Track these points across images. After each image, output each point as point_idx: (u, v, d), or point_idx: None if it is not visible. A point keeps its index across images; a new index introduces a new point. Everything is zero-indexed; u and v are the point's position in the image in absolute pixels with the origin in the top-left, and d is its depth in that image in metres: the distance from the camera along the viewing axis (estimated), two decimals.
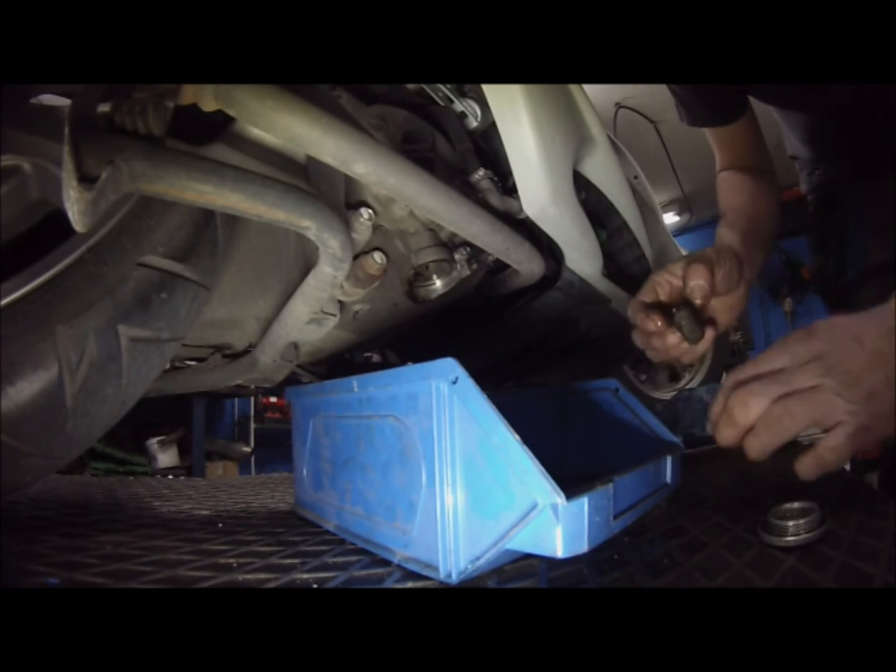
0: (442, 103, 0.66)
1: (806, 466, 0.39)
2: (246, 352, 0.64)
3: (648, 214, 1.28)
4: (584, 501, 0.32)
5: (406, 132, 0.62)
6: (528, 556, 0.41)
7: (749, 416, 0.38)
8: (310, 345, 0.66)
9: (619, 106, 2.86)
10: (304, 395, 0.61)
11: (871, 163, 0.76)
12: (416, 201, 0.48)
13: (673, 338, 0.49)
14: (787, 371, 0.39)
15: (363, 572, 0.41)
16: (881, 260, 0.78)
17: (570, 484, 0.32)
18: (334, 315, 0.58)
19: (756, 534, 0.43)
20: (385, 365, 0.94)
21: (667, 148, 3.02)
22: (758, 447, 0.39)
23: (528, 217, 0.62)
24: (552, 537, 0.32)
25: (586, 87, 0.74)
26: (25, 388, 0.37)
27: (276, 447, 3.10)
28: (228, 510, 0.72)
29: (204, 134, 0.40)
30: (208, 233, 0.47)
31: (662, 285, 0.50)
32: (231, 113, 0.36)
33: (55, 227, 0.42)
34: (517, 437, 0.33)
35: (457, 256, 0.63)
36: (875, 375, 0.37)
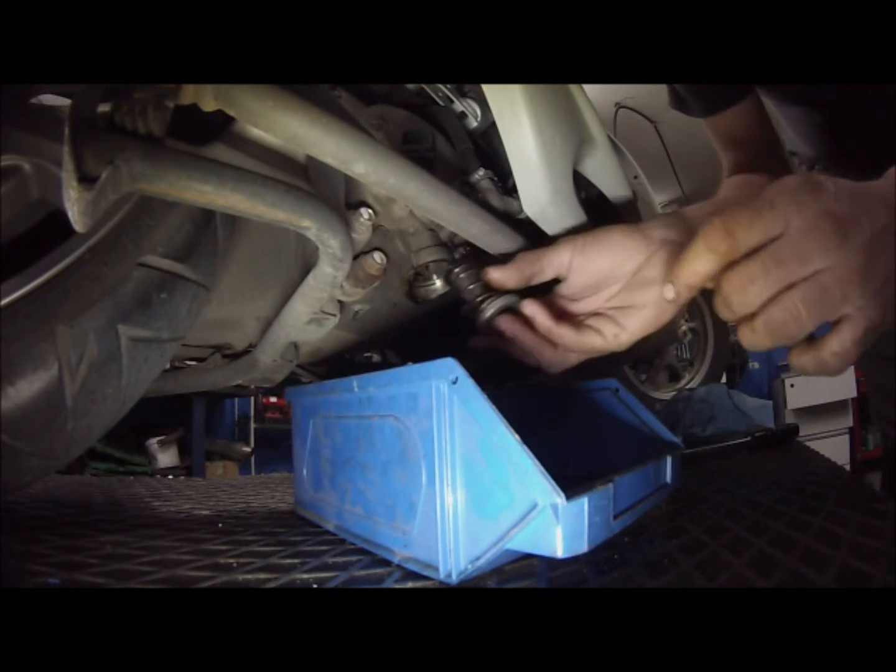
0: (442, 103, 0.66)
1: (803, 362, 0.34)
2: (246, 352, 0.64)
3: (648, 214, 1.28)
4: (584, 501, 0.32)
5: (406, 132, 0.62)
6: (528, 556, 0.41)
7: (747, 307, 0.32)
8: (310, 345, 0.66)
9: (619, 106, 2.87)
10: (304, 395, 0.61)
11: (874, 158, 0.76)
12: (417, 201, 0.48)
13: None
14: (788, 244, 0.31)
15: (363, 572, 0.41)
16: None
17: (570, 484, 0.32)
18: (334, 315, 0.58)
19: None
20: (385, 365, 0.94)
21: (667, 148, 3.03)
22: (755, 343, 0.33)
23: (528, 217, 0.62)
24: (552, 537, 0.32)
25: (586, 87, 0.74)
26: (25, 388, 0.37)
27: (276, 447, 3.09)
28: (228, 510, 0.72)
29: (204, 134, 0.40)
30: (208, 233, 0.47)
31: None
32: (231, 113, 0.36)
33: (55, 227, 0.42)
34: (517, 437, 0.33)
35: (457, 256, 0.63)
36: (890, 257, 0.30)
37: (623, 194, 0.81)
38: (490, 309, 0.51)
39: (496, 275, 0.49)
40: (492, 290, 0.52)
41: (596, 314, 0.49)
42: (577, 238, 0.48)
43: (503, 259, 0.53)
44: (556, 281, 0.51)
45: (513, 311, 0.50)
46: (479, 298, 0.52)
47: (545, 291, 0.52)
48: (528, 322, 0.48)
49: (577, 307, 0.50)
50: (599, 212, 0.77)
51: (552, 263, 0.48)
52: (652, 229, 0.48)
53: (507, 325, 0.49)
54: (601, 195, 0.78)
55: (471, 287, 0.53)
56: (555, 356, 0.48)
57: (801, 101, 0.74)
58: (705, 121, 0.69)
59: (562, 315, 0.50)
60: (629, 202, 0.80)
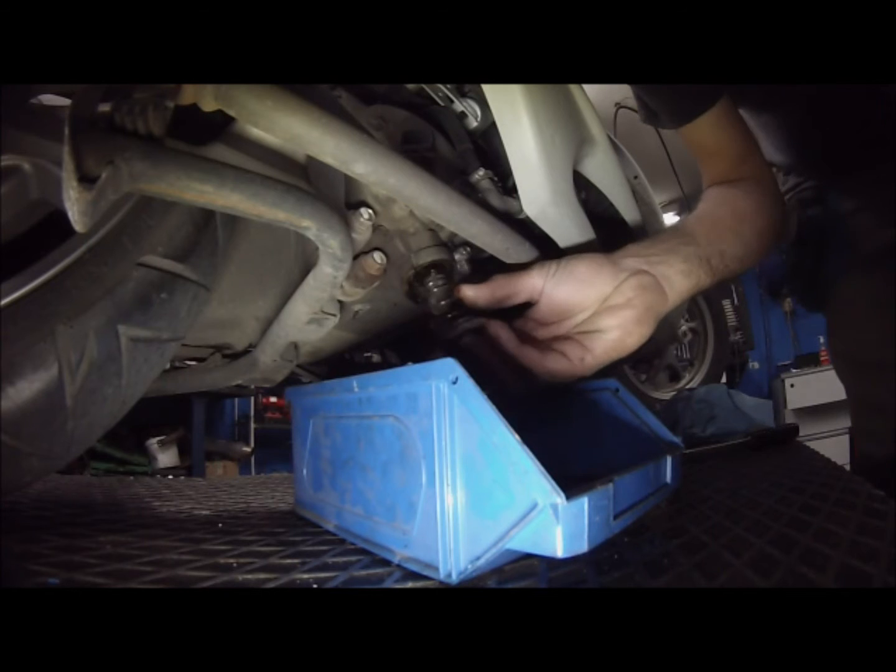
0: (442, 103, 0.66)
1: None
2: (246, 352, 0.64)
3: (648, 214, 1.28)
4: (584, 501, 0.32)
5: (406, 132, 0.62)
6: (528, 556, 0.41)
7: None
8: (310, 345, 0.66)
9: (619, 106, 2.86)
10: (304, 395, 0.61)
11: (849, 156, 0.75)
12: (417, 201, 0.48)
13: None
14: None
15: (363, 572, 0.41)
16: (866, 252, 0.78)
17: (570, 484, 0.32)
18: (334, 315, 0.58)
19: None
20: (385, 365, 0.94)
21: (667, 148, 3.02)
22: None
23: (528, 217, 0.62)
24: (552, 537, 0.32)
25: (586, 87, 0.74)
26: (25, 388, 0.38)
27: (276, 447, 3.10)
28: (228, 510, 0.72)
29: (204, 134, 0.40)
30: (208, 233, 0.47)
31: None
32: (231, 113, 0.36)
33: (55, 227, 0.42)
34: (517, 437, 0.33)
35: (457, 256, 0.63)
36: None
37: (623, 194, 0.82)
38: (457, 329, 0.52)
39: (469, 293, 0.50)
40: (461, 308, 0.53)
41: (562, 338, 0.51)
42: (550, 265, 0.50)
43: (476, 278, 0.55)
44: (528, 304, 0.52)
45: (478, 332, 0.51)
46: (449, 316, 0.53)
47: (518, 313, 0.53)
48: (493, 344, 0.49)
49: (546, 331, 0.52)
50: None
51: (525, 288, 0.50)
52: (624, 259, 0.50)
53: (472, 343, 0.49)
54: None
55: (442, 303, 0.54)
56: (519, 380, 0.49)
57: (773, 107, 0.74)
58: (679, 132, 0.68)
59: (529, 337, 0.51)
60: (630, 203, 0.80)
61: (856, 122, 0.70)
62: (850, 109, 0.69)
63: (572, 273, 0.49)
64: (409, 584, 0.39)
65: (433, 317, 0.56)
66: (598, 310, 0.49)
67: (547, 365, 0.48)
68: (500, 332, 0.49)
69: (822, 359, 3.98)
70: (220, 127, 0.41)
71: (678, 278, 0.51)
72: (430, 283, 0.56)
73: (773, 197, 0.65)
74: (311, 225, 0.42)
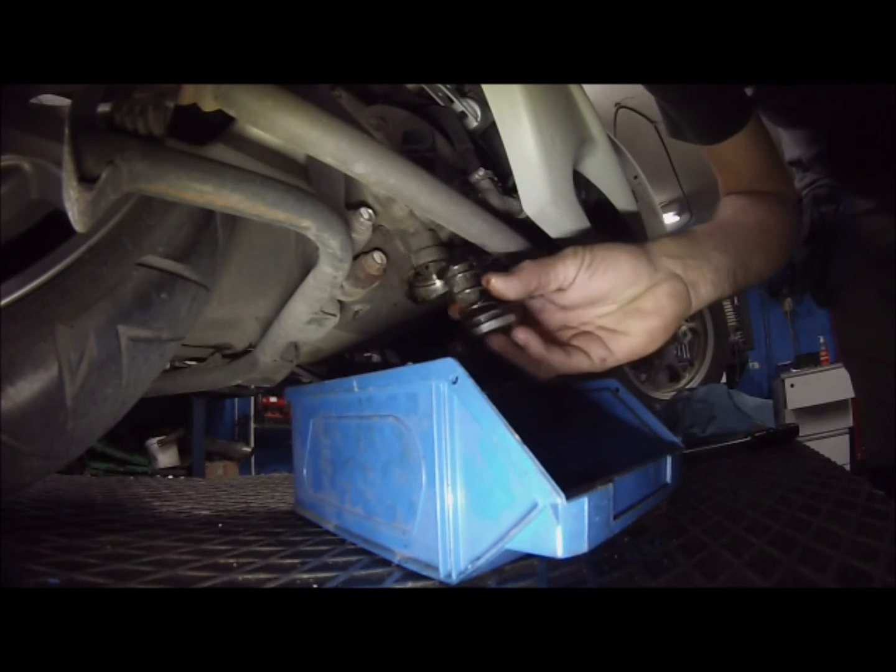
0: (442, 103, 0.66)
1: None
2: (246, 352, 0.64)
3: (648, 214, 1.28)
4: (584, 501, 0.32)
5: (406, 132, 0.62)
6: (528, 556, 0.41)
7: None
8: (310, 345, 0.66)
9: (619, 106, 2.87)
10: (304, 395, 0.61)
11: (866, 158, 0.76)
12: (417, 201, 0.48)
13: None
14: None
15: (363, 572, 0.41)
16: (877, 251, 0.78)
17: (570, 484, 0.32)
18: (334, 315, 0.58)
19: None
20: (385, 365, 0.94)
21: (667, 148, 3.02)
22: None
23: (528, 217, 0.62)
24: (552, 537, 0.32)
25: (586, 87, 0.74)
26: (25, 388, 0.38)
27: (276, 447, 3.10)
28: (228, 510, 0.72)
29: (204, 134, 0.40)
30: (208, 233, 0.47)
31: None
32: (231, 113, 0.36)
33: (55, 227, 0.42)
34: (517, 437, 0.33)
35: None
36: None
37: (623, 194, 0.82)
38: (485, 326, 0.49)
39: (499, 285, 0.45)
40: (488, 298, 0.50)
41: (584, 333, 0.49)
42: (584, 252, 0.46)
43: (504, 264, 0.51)
44: None
45: (506, 331, 0.48)
46: (475, 307, 0.50)
47: None
48: (519, 346, 0.47)
49: (565, 316, 0.50)
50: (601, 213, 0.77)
51: (557, 278, 0.46)
52: (660, 258, 0.48)
53: (498, 345, 0.47)
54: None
55: (467, 291, 0.51)
56: (539, 373, 0.48)
57: (800, 121, 0.75)
58: (702, 147, 0.68)
59: (547, 332, 0.49)
60: (629, 204, 0.80)
61: (874, 125, 0.70)
62: (868, 112, 0.69)
63: (609, 266, 0.46)
64: (409, 584, 0.39)
65: (452, 305, 0.52)
66: (627, 308, 0.47)
67: (572, 365, 0.47)
68: (529, 339, 0.46)
69: (822, 359, 3.99)
70: (220, 127, 0.41)
71: (706, 288, 0.50)
72: (456, 269, 0.53)
73: (793, 213, 0.65)
74: (311, 225, 0.42)
